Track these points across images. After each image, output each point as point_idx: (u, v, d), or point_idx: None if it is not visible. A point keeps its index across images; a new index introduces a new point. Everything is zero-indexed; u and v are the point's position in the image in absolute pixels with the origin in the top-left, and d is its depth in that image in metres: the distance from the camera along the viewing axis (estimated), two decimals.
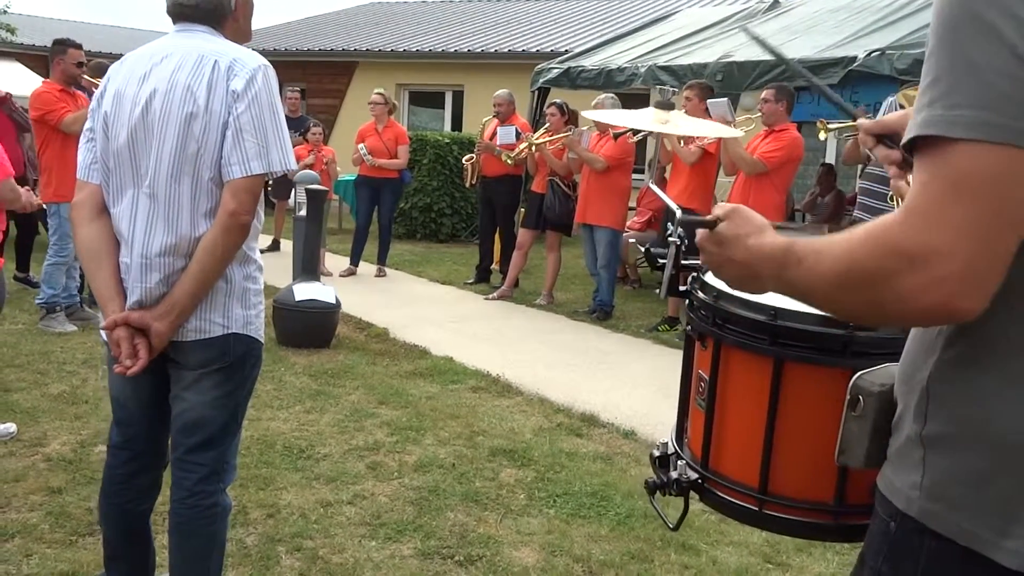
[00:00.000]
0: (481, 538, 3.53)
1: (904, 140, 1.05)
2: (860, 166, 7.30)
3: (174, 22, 2.48)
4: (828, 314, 1.22)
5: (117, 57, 2.70)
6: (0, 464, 4.01)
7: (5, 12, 14.16)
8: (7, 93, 7.83)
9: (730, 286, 1.35)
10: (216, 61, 2.33)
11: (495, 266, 9.28)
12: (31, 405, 4.78)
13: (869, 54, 6.76)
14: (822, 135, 6.37)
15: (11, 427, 4.36)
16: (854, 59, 6.83)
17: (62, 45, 6.54)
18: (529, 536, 3.59)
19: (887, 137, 1.48)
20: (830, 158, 11.80)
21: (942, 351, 1.14)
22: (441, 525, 3.63)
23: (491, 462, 4.33)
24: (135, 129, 2.36)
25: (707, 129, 5.70)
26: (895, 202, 5.05)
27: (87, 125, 2.50)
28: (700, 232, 1.33)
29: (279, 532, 3.50)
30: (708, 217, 1.31)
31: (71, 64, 6.49)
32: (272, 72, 2.41)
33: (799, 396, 1.59)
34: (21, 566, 3.16)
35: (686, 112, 7.02)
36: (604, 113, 6.18)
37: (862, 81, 6.95)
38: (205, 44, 2.39)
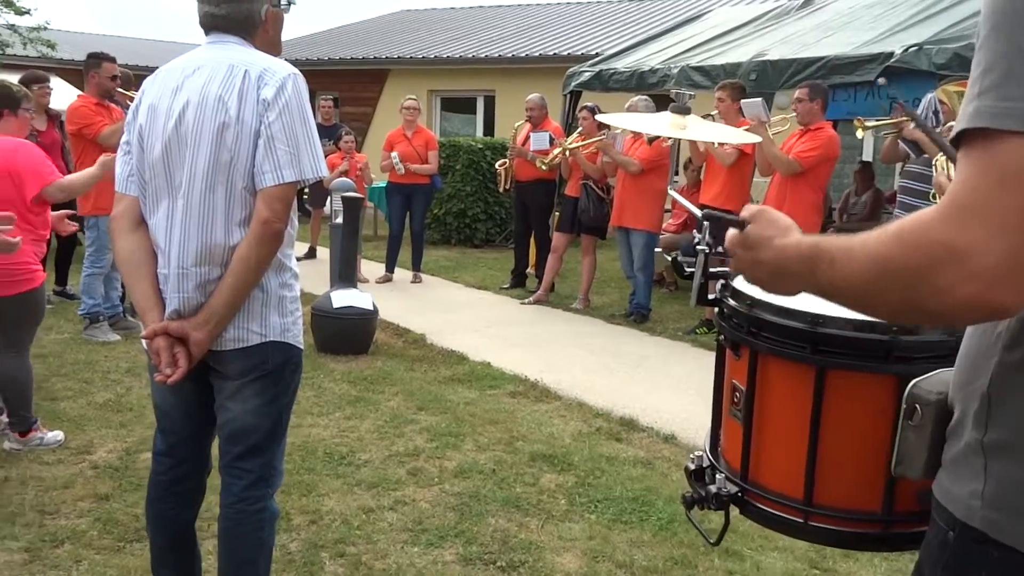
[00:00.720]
0: (523, 544, 3.53)
1: (953, 134, 1.02)
2: (900, 164, 7.21)
3: (206, 33, 2.52)
4: (863, 314, 1.20)
5: (151, 70, 2.74)
6: (49, 471, 4.08)
7: (45, 28, 14.38)
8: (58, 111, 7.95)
9: (763, 289, 1.33)
10: (247, 71, 2.36)
11: (531, 270, 9.28)
12: (78, 413, 4.86)
13: (906, 49, 6.68)
14: (859, 133, 6.29)
15: (59, 435, 4.44)
16: (891, 55, 6.75)
17: (96, 59, 6.64)
18: (571, 542, 3.58)
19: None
20: (867, 156, 11.67)
21: (1003, 354, 1.11)
22: (482, 531, 3.64)
23: (531, 467, 4.33)
24: (169, 141, 2.40)
25: (725, 134, 5.63)
26: (936, 200, 4.99)
27: (123, 139, 2.54)
28: (729, 235, 1.32)
29: (322, 538, 3.52)
30: (737, 218, 1.30)
31: (106, 78, 6.59)
32: (302, 80, 2.43)
33: (843, 404, 1.56)
34: (71, 572, 3.22)
35: (719, 113, 6.98)
36: (619, 117, 6.14)
37: (900, 77, 6.87)
38: (236, 54, 2.42)
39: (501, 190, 9.80)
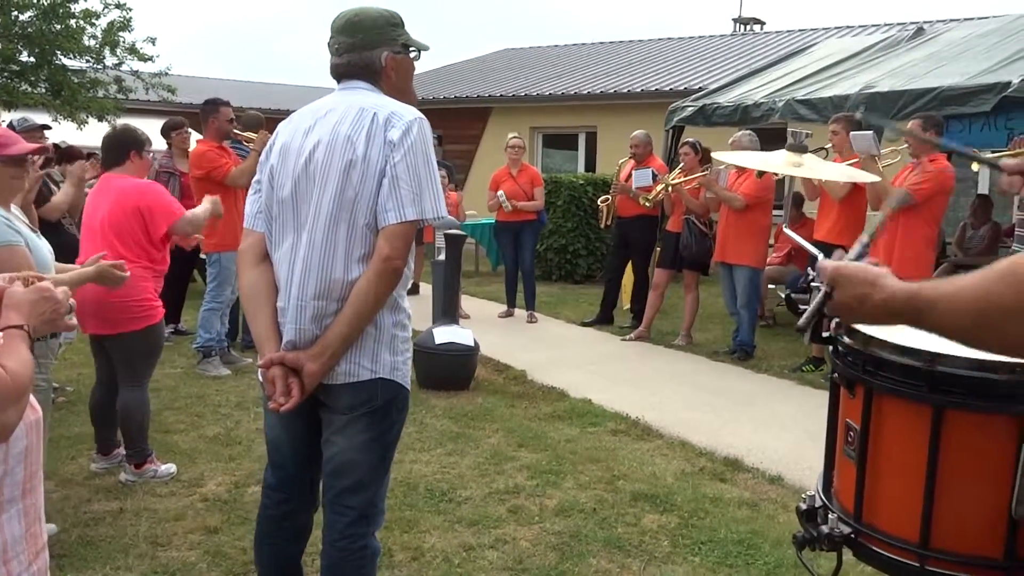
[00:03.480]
0: None
1: None
2: (1018, 196, 6.92)
3: (338, 82, 2.62)
4: (985, 353, 1.16)
5: (268, 111, 2.84)
6: (162, 503, 4.21)
7: (166, 73, 15.10)
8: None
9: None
10: (375, 113, 2.45)
11: (626, 307, 9.21)
12: (189, 446, 5.01)
13: None
14: (975, 166, 6.07)
15: (172, 467, 4.58)
16: (1008, 84, 6.52)
17: (214, 104, 6.92)
18: None
19: None
20: (983, 188, 11.25)
21: None
22: (584, 571, 3.59)
23: (633, 507, 4.26)
24: (299, 178, 2.49)
25: (841, 172, 5.49)
26: None
27: (256, 177, 2.66)
28: (819, 301, 1.31)
29: (424, 575, 3.53)
30: (820, 296, 1.28)
31: (224, 121, 6.87)
32: (427, 124, 2.50)
33: (962, 445, 1.51)
34: None
35: (833, 146, 6.81)
36: (735, 155, 6.08)
37: (1018, 108, 6.61)
38: (365, 99, 2.51)
39: (603, 226, 9.77)
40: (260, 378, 2.55)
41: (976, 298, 1.03)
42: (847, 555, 1.72)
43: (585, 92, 16.28)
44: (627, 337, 8.48)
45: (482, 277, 12.74)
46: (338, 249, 2.44)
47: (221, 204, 5.06)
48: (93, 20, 14.43)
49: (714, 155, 5.41)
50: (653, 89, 15.26)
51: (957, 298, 1.06)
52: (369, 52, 2.55)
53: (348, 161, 2.41)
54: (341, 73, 2.60)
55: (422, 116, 2.49)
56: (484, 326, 8.67)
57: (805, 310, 1.57)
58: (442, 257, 7.10)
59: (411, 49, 2.65)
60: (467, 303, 9.61)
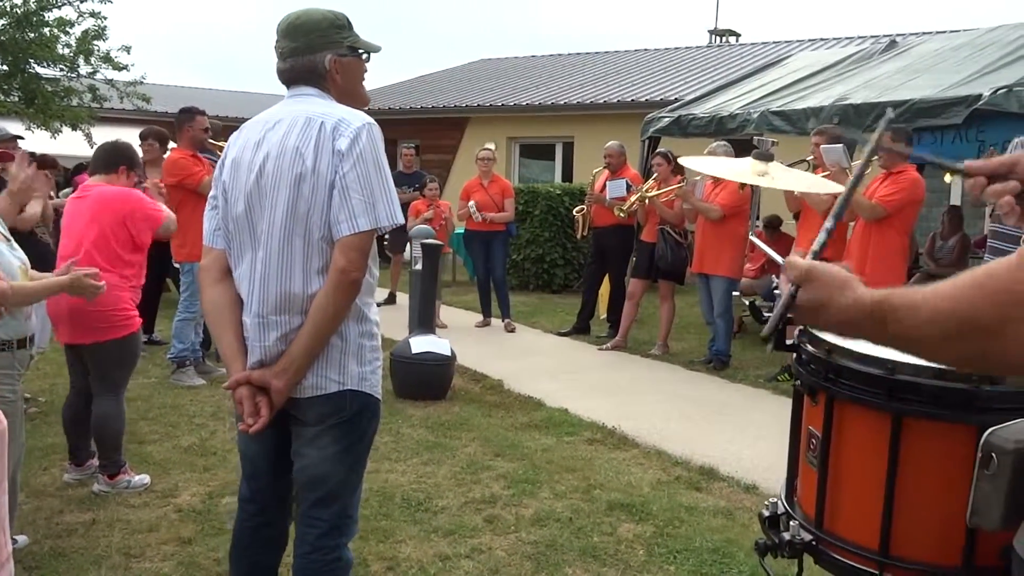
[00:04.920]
0: None
1: None
2: (990, 208, 7.00)
3: (287, 88, 2.58)
4: (939, 364, 1.16)
5: (241, 120, 2.81)
6: (135, 514, 4.18)
7: (141, 82, 15.00)
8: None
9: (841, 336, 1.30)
10: (323, 123, 2.40)
11: (603, 316, 9.23)
12: (163, 457, 4.98)
13: (995, 91, 6.52)
14: (948, 178, 6.14)
15: (145, 478, 4.55)
16: (979, 97, 6.60)
17: (189, 113, 6.91)
18: None
19: (999, 177, 1.39)
20: (955, 200, 11.38)
21: None
22: None
23: (608, 516, 4.27)
24: (251, 194, 2.47)
25: (807, 182, 5.52)
26: None
27: (212, 193, 2.62)
28: (784, 299, 1.27)
29: None
30: (785, 296, 1.26)
31: (199, 130, 6.86)
32: (377, 130, 2.45)
33: (921, 454, 1.53)
34: None
35: (815, 158, 6.85)
36: (700, 161, 6.09)
37: (989, 120, 6.70)
38: (314, 107, 2.47)
39: (579, 236, 9.82)
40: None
41: (942, 309, 1.02)
42: (809, 562, 1.74)
43: (562, 102, 16.33)
44: (604, 347, 8.51)
45: (459, 286, 12.73)
46: (295, 263, 2.42)
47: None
48: (67, 29, 14.31)
49: (680, 160, 5.40)
50: (630, 100, 15.34)
51: (921, 309, 1.05)
52: (312, 56, 2.50)
53: (298, 174, 2.38)
54: (288, 79, 2.55)
55: (371, 122, 2.45)
56: (461, 335, 8.67)
57: (768, 317, 1.58)
58: (419, 266, 7.10)
59: (359, 51, 2.60)
60: (444, 312, 9.61)
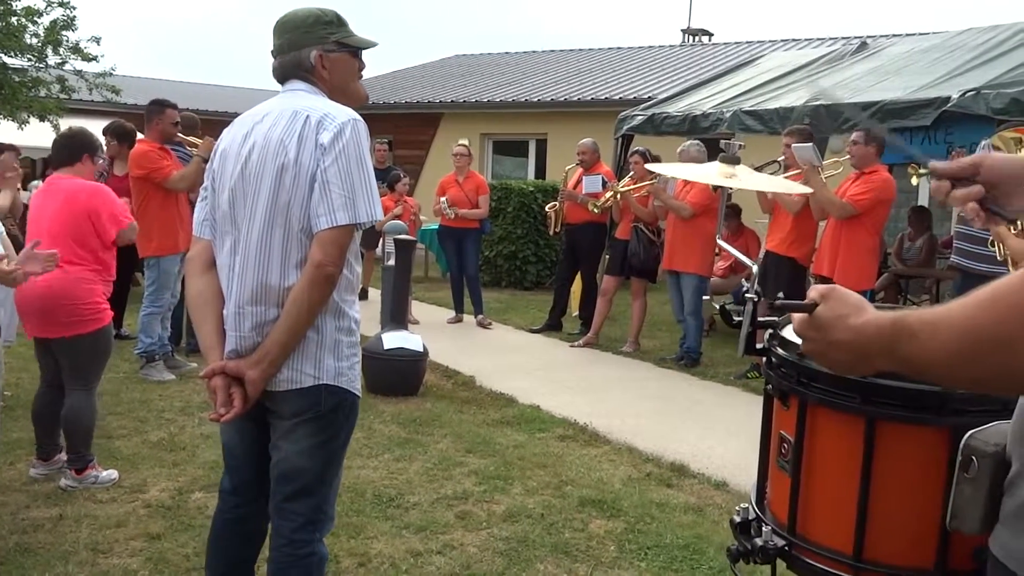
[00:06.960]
0: None
1: None
2: (957, 208, 7.08)
3: (281, 84, 2.61)
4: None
5: (216, 114, 2.81)
6: (103, 509, 4.14)
7: (111, 74, 14.80)
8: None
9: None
10: (308, 116, 2.42)
11: (575, 313, 9.25)
12: (132, 452, 4.93)
13: (964, 94, 6.60)
14: (914, 180, 6.19)
15: (113, 473, 4.50)
16: (948, 99, 6.67)
17: (159, 106, 6.82)
18: None
19: (963, 180, 1.40)
20: (923, 201, 11.50)
21: None
22: None
23: (580, 512, 4.28)
24: (236, 184, 2.48)
25: (773, 184, 5.57)
26: (997, 247, 4.88)
27: (203, 184, 2.64)
28: (798, 318, 1.27)
29: None
30: (806, 301, 1.25)
31: (168, 123, 6.77)
32: (362, 126, 2.46)
33: (894, 457, 1.53)
34: None
35: (786, 158, 6.88)
36: (668, 166, 6.14)
37: (957, 122, 6.78)
38: (301, 101, 2.49)
39: (551, 233, 9.83)
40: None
41: (959, 327, 1.00)
42: (781, 567, 1.74)
43: (536, 99, 16.33)
44: (575, 344, 8.53)
45: (431, 283, 12.71)
46: (273, 254, 2.42)
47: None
48: (35, 18, 14.10)
49: (649, 166, 5.44)
50: (603, 98, 15.37)
51: (939, 327, 1.03)
52: (297, 52, 2.53)
53: (280, 165, 2.39)
54: (279, 76, 2.59)
55: (357, 118, 2.45)
56: (433, 332, 8.65)
57: (740, 321, 1.58)
58: (391, 262, 7.07)
59: (336, 47, 2.58)
60: (416, 308, 9.58)
